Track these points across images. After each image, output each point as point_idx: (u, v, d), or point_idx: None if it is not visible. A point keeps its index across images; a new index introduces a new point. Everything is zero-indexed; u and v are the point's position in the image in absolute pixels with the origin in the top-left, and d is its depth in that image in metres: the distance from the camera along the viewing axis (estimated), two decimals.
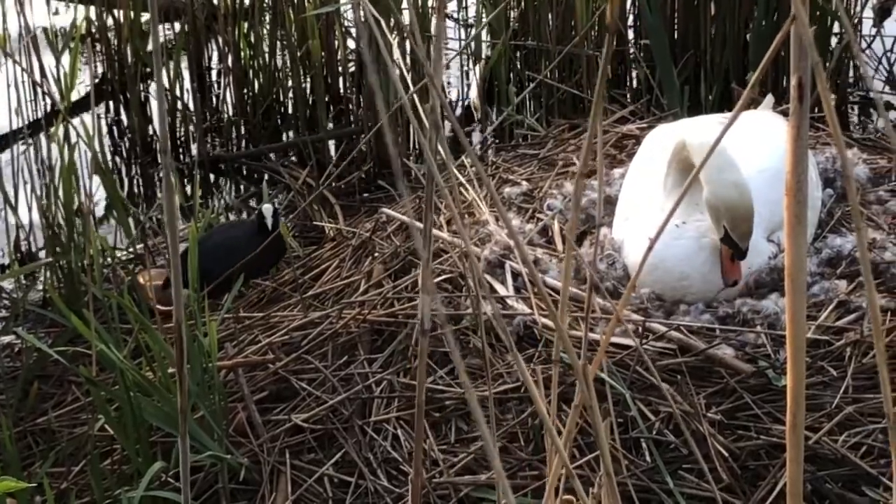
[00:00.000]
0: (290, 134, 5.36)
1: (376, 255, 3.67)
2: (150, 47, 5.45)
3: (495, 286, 3.30)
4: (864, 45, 5.48)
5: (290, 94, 5.36)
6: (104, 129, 5.45)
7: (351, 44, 5.50)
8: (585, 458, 2.83)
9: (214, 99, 5.56)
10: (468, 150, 1.34)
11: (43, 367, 3.61)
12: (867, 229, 3.44)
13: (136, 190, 5.16)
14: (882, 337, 1.23)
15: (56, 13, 5.73)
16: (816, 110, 4.84)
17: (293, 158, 5.17)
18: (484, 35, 5.35)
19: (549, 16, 5.09)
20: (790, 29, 1.11)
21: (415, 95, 2.12)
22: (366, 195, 4.68)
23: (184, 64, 5.43)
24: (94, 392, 3.04)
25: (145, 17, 5.60)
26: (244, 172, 5.18)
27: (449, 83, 5.60)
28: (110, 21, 5.46)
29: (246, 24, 5.26)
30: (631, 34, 5.34)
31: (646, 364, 2.96)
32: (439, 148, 1.40)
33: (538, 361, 3.03)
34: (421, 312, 1.41)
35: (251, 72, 5.31)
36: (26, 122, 4.73)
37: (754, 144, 3.35)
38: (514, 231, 1.24)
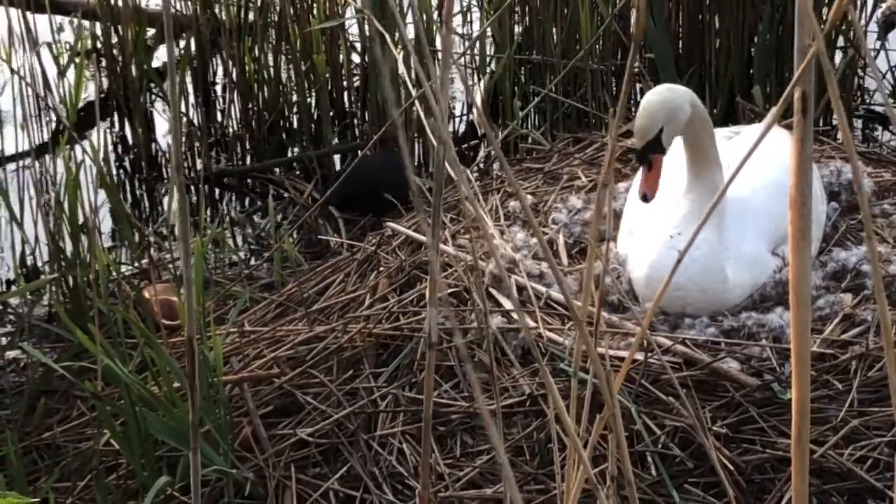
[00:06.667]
0: (296, 149, 5.37)
1: (381, 269, 3.67)
2: (154, 62, 5.46)
3: (500, 300, 3.30)
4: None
5: (296, 109, 5.37)
6: (109, 144, 5.46)
7: (356, 58, 5.51)
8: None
9: (219, 114, 5.57)
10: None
11: (48, 382, 3.61)
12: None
13: (140, 205, 5.17)
14: (893, 348, 1.23)
15: (61, 29, 5.74)
16: (821, 123, 4.85)
17: (298, 173, 5.18)
18: (489, 49, 5.35)
19: (554, 30, 5.10)
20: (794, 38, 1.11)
21: (421, 110, 2.13)
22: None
23: (188, 79, 5.45)
24: (100, 407, 3.04)
25: (150, 32, 5.61)
26: (249, 187, 5.18)
27: (454, 97, 5.61)
28: (115, 38, 5.48)
29: (250, 39, 5.27)
30: None
31: (654, 377, 2.96)
32: (446, 164, 1.39)
33: (543, 375, 3.02)
34: (428, 325, 1.40)
35: (256, 86, 5.32)
36: (32, 138, 4.74)
37: (758, 158, 3.35)
38: (549, 252, 1.23)
